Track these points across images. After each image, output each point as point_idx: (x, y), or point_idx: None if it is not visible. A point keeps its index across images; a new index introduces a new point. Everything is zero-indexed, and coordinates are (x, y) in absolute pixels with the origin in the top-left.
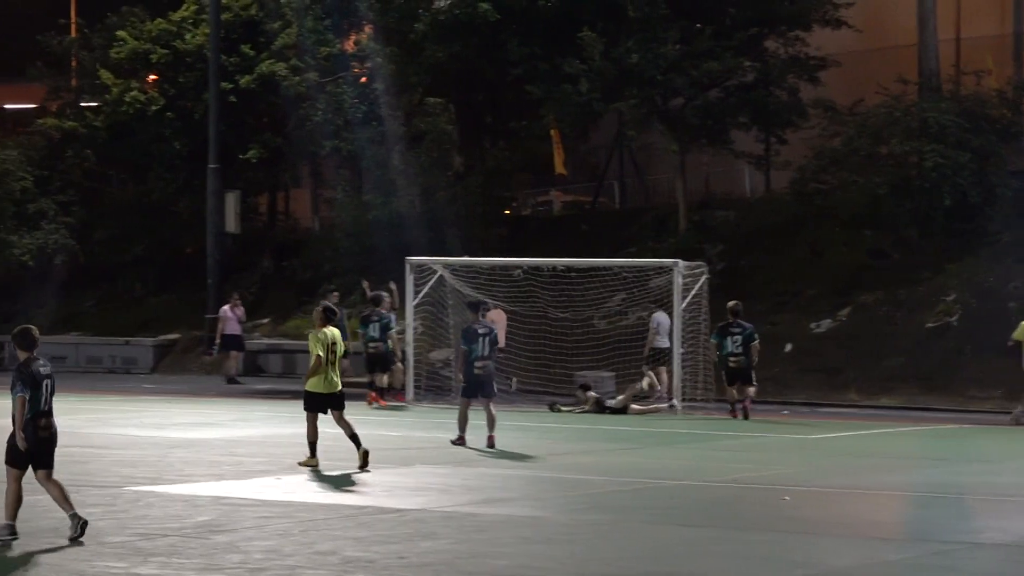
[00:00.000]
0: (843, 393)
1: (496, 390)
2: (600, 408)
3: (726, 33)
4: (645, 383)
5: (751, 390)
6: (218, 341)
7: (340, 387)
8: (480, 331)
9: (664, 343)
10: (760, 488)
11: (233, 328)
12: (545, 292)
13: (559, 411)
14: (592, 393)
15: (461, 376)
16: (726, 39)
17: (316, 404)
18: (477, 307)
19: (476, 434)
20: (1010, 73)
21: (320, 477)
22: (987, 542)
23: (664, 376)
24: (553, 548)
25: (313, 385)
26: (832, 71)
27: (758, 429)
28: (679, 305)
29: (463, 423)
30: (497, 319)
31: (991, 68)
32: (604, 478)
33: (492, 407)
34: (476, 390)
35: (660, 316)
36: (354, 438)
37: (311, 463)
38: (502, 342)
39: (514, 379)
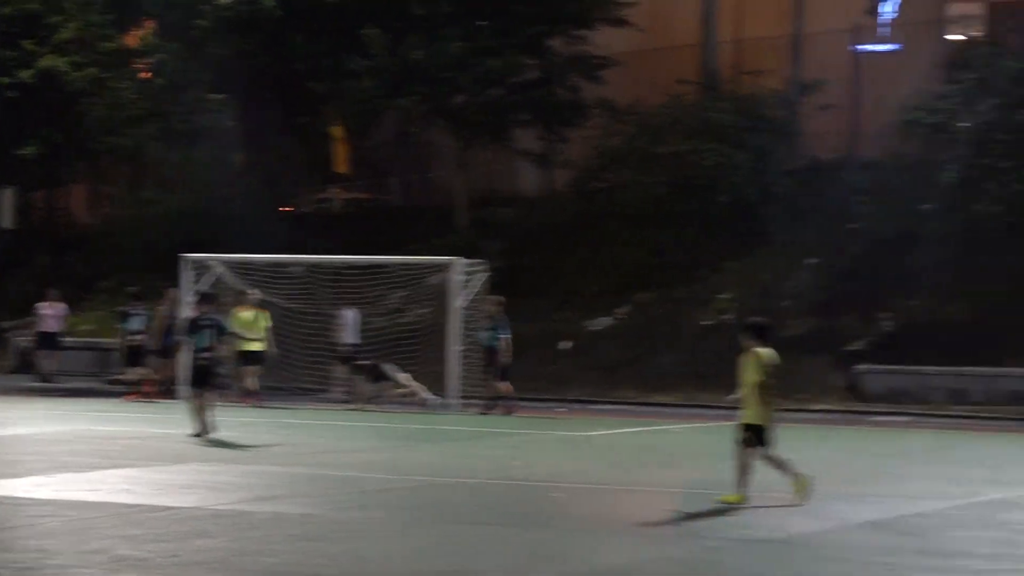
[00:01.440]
0: (619, 390)
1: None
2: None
3: (510, 31)
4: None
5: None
6: (31, 338)
7: None
8: (203, 323)
9: (349, 339)
10: (532, 485)
11: (49, 325)
12: (325, 289)
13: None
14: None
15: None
16: (510, 37)
17: None
18: (208, 299)
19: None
20: (787, 74)
21: (91, 477)
22: (750, 538)
23: (340, 372)
24: (325, 546)
25: None
26: (615, 70)
27: (533, 426)
28: (457, 303)
29: (195, 415)
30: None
31: (770, 68)
32: (375, 475)
33: (215, 399)
34: (201, 381)
35: (347, 312)
36: None
37: None
38: None
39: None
